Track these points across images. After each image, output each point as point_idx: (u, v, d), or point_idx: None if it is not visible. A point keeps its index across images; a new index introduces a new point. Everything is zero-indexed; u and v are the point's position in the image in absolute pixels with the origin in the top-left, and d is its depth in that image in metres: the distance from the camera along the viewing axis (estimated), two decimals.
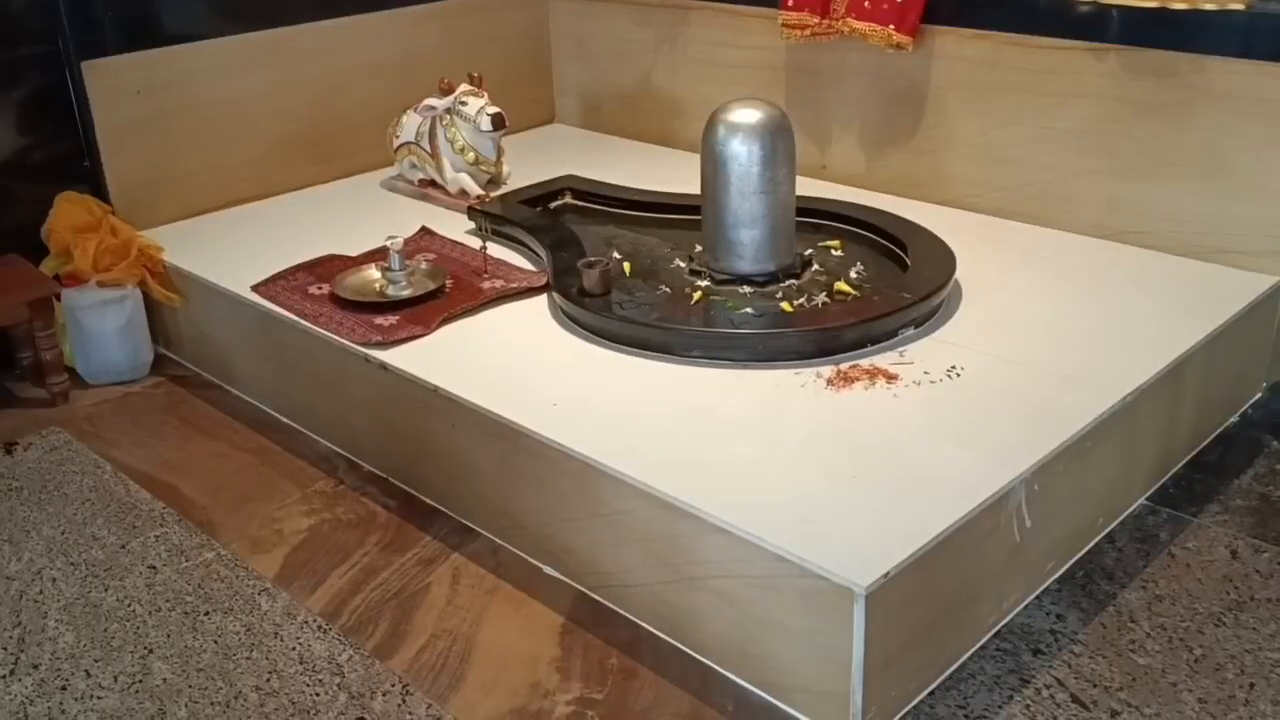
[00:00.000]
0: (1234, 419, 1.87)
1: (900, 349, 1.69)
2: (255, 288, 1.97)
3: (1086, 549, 1.58)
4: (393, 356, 1.72)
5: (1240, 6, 1.84)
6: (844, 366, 1.64)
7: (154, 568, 1.62)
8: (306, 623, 1.50)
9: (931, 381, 1.60)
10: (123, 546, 1.67)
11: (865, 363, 1.65)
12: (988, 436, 1.47)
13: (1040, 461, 1.42)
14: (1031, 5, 2.03)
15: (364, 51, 2.53)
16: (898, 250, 1.96)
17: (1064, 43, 2.01)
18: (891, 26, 2.14)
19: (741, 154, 1.78)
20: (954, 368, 1.63)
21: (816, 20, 2.24)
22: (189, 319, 2.13)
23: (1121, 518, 1.64)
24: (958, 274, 1.85)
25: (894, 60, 2.22)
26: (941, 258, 1.88)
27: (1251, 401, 1.91)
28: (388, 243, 1.90)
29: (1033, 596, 1.49)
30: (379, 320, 1.81)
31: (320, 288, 1.95)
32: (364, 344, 1.75)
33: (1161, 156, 1.96)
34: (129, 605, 1.55)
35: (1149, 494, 1.69)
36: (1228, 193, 1.91)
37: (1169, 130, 1.94)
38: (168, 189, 2.31)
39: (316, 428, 1.92)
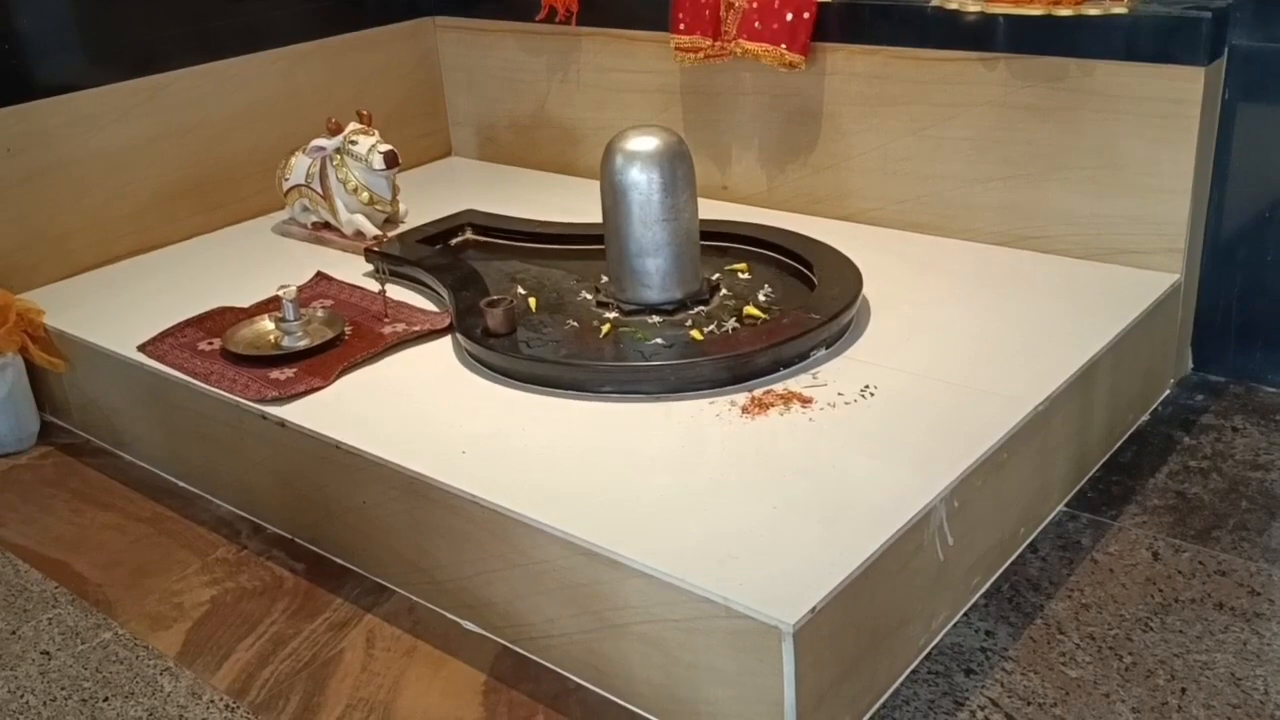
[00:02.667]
0: (1145, 418, 1.90)
1: (813, 371, 1.69)
2: (142, 347, 1.90)
3: (1010, 561, 1.59)
4: (291, 412, 1.67)
5: (1123, 10, 1.88)
6: (758, 393, 1.63)
7: (48, 653, 1.54)
8: (213, 702, 1.43)
9: (846, 402, 1.60)
10: (13, 632, 1.58)
11: (779, 387, 1.65)
12: (905, 455, 1.47)
13: (959, 477, 1.43)
14: (918, 18, 2.06)
15: (245, 94, 2.47)
16: (804, 269, 1.96)
17: (953, 54, 2.03)
18: (783, 46, 2.15)
19: (641, 182, 1.77)
20: (867, 387, 1.63)
21: (709, 43, 2.24)
22: (75, 384, 2.04)
23: (1043, 525, 1.65)
24: (864, 290, 1.85)
25: (788, 79, 2.22)
26: (847, 274, 1.88)
27: (1161, 399, 1.94)
28: (280, 291, 1.85)
29: (961, 614, 1.49)
30: (275, 374, 1.76)
31: (211, 343, 1.89)
32: (259, 400, 1.70)
33: (1055, 160, 1.99)
34: (22, 696, 1.47)
35: (1068, 500, 1.70)
36: (1122, 193, 1.94)
37: (1061, 134, 1.97)
38: (45, 249, 2.23)
39: (215, 491, 1.86)
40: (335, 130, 2.24)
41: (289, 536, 1.75)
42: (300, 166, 2.31)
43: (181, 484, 1.91)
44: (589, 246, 2.10)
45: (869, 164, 2.21)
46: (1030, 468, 1.59)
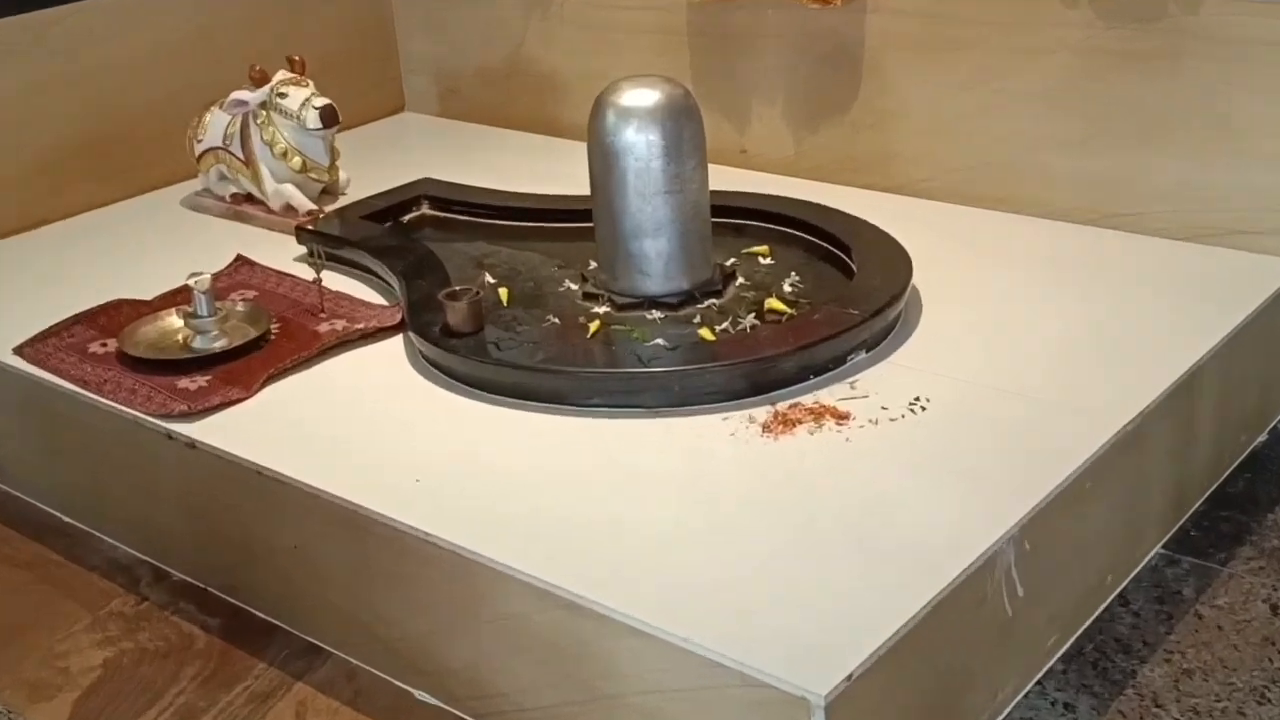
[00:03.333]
0: (1262, 437, 1.90)
1: (851, 379, 1.69)
2: (19, 350, 1.90)
3: (1095, 616, 1.59)
4: (204, 430, 1.67)
5: None
6: (782, 406, 1.64)
7: None
8: None
9: (891, 419, 1.60)
10: None
11: (808, 400, 1.65)
12: (964, 485, 1.47)
13: (1030, 512, 1.43)
14: None
15: (151, 35, 2.48)
16: (840, 253, 1.97)
17: None
18: None
19: (638, 145, 1.78)
20: (917, 399, 1.63)
21: None
22: None
23: (1135, 572, 1.65)
24: (915, 279, 1.86)
25: (820, 18, 2.23)
26: (894, 260, 1.89)
27: None
28: (191, 280, 1.86)
29: (1033, 683, 1.49)
30: (184, 383, 1.77)
31: (105, 344, 1.89)
32: (164, 416, 1.70)
33: (1151, 119, 2.00)
34: None
35: (1166, 540, 1.71)
36: (1234, 159, 1.95)
37: (1158, 86, 1.97)
38: None
39: (110, 528, 1.86)
40: (260, 80, 2.24)
41: (200, 585, 1.75)
42: (217, 125, 2.32)
43: (67, 519, 1.91)
44: (574, 225, 2.11)
45: (920, 123, 2.21)
46: (1119, 500, 1.59)
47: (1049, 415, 1.59)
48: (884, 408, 1.62)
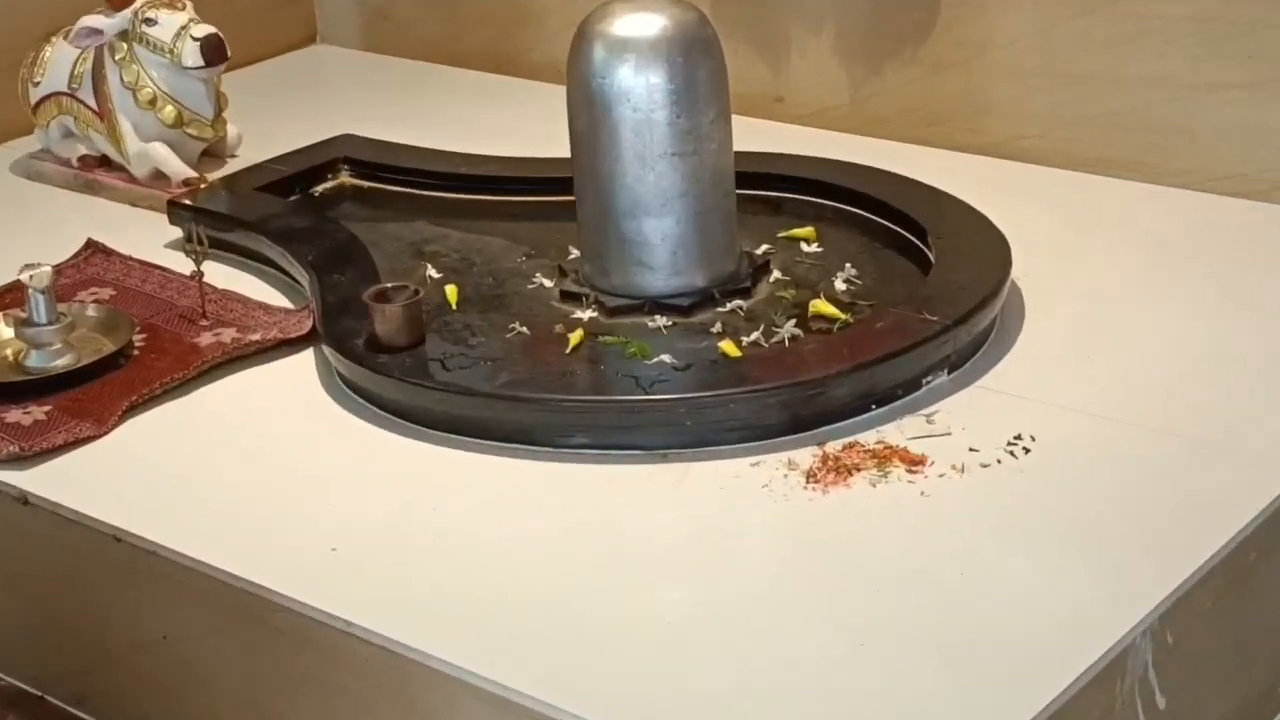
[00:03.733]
0: None
1: (928, 411, 1.69)
2: None
3: None
4: (42, 480, 1.68)
5: None
6: (834, 448, 1.64)
7: None
8: None
9: (982, 464, 1.60)
10: None
11: (870, 438, 1.65)
12: (1082, 555, 1.47)
13: (1173, 594, 1.42)
14: None
15: None
16: (912, 238, 1.97)
17: None
18: None
19: (637, 90, 1.78)
20: (1018, 439, 1.63)
21: None
22: None
23: None
24: (1014, 273, 1.86)
25: None
26: (984, 247, 1.90)
27: None
28: (25, 275, 1.85)
29: None
30: (15, 415, 1.77)
31: None
32: None
33: None
34: None
35: None
36: None
37: None
38: None
39: None
40: (119, 2, 2.24)
41: (36, 693, 1.74)
42: (60, 62, 2.32)
43: None
44: (548, 198, 2.12)
45: (1021, 60, 2.22)
46: None
47: (1198, 461, 1.58)
48: (973, 450, 1.62)
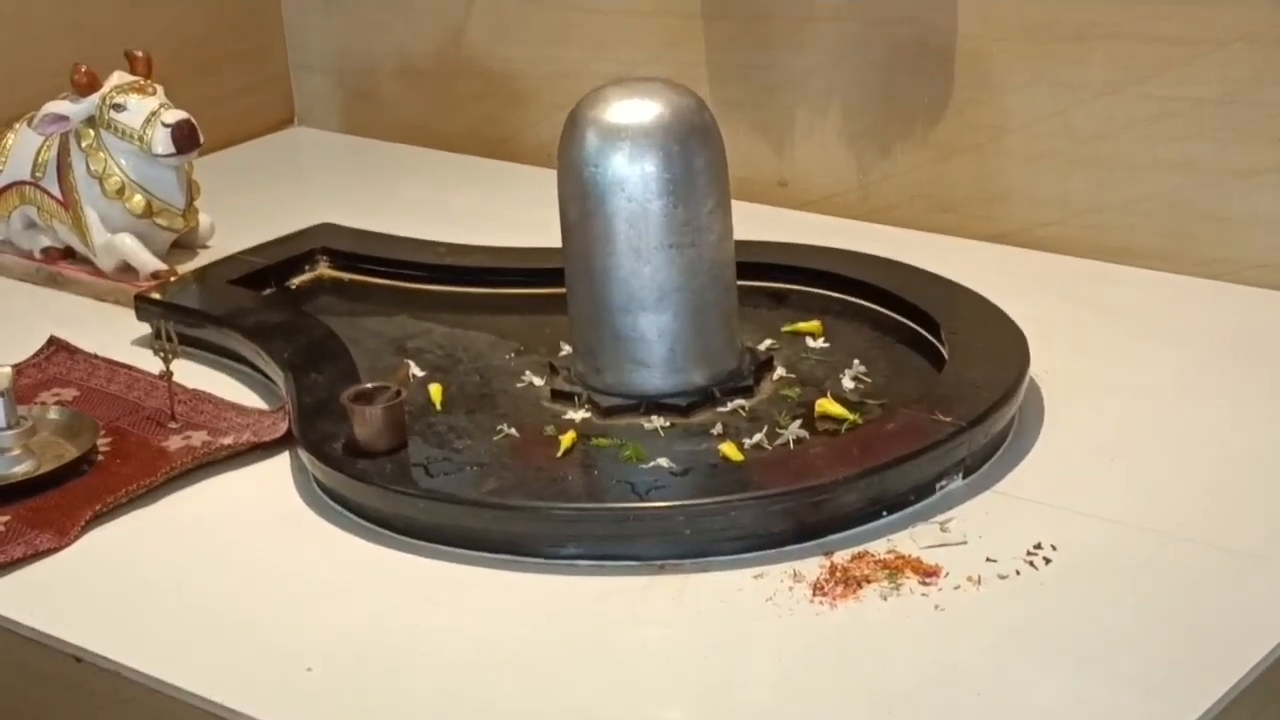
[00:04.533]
0: None
1: (941, 519, 1.68)
2: None
3: None
4: None
5: None
6: (842, 557, 1.63)
7: None
8: None
9: (1001, 576, 1.59)
10: None
11: (880, 547, 1.64)
12: (1110, 677, 1.45)
13: (1208, 713, 1.40)
14: None
15: None
16: (924, 332, 1.97)
17: None
18: None
19: (632, 179, 1.79)
20: (1038, 547, 1.62)
21: None
22: None
23: None
24: (1032, 370, 1.86)
25: None
26: (1002, 341, 1.90)
27: None
28: None
29: None
30: None
31: None
32: None
33: None
34: None
35: None
36: None
37: None
38: None
39: None
40: (87, 86, 2.26)
41: None
42: (22, 150, 2.34)
43: None
44: (537, 290, 2.13)
45: (1039, 144, 2.23)
46: None
47: (1231, 571, 1.57)
48: (990, 560, 1.60)
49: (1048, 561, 1.60)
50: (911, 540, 1.65)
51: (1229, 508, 1.68)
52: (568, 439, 1.80)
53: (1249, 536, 1.62)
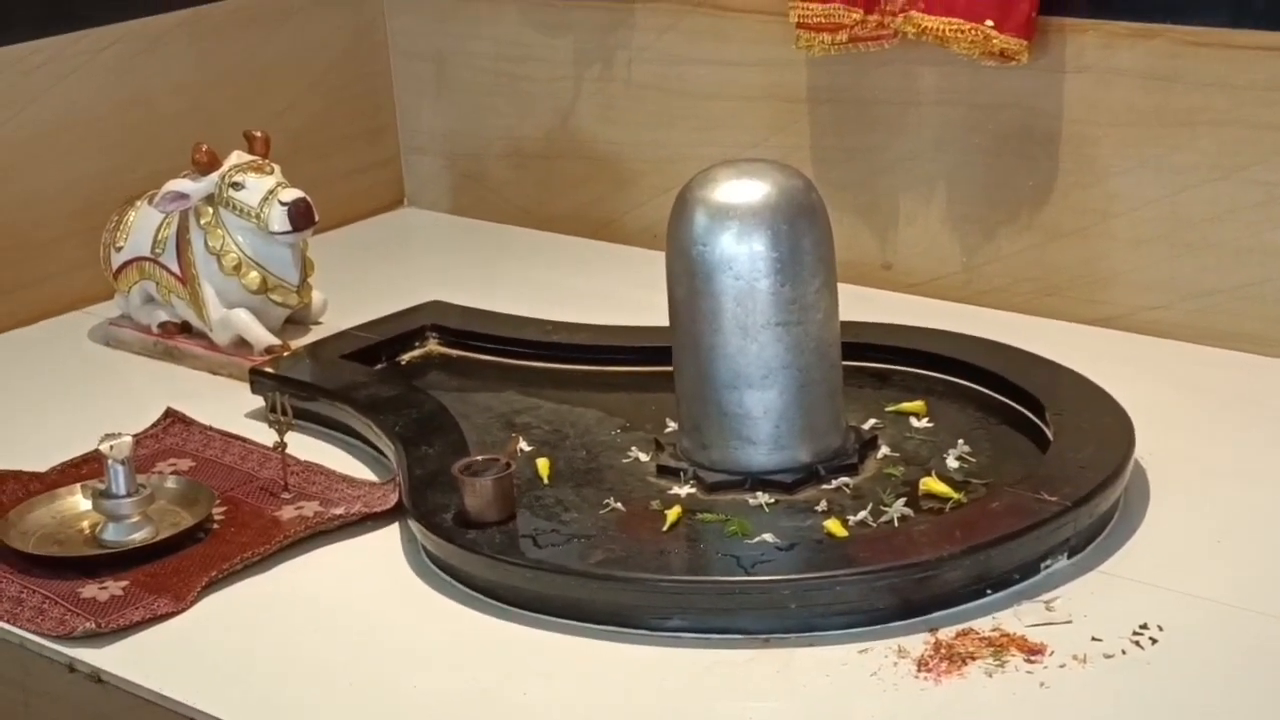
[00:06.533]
0: None
1: (1047, 598, 1.68)
2: None
3: None
4: (117, 658, 1.69)
5: None
6: (947, 634, 1.63)
7: None
8: None
9: (1106, 655, 1.59)
10: None
11: (985, 625, 1.65)
12: None
13: None
14: None
15: (53, 100, 2.56)
16: (1029, 414, 1.98)
17: None
18: (989, 23, 2.20)
19: (740, 258, 1.81)
20: (1144, 627, 1.62)
21: (859, 16, 2.30)
22: None
23: None
24: (1138, 452, 1.86)
25: (999, 79, 2.28)
26: (1107, 424, 1.90)
27: None
28: (105, 446, 1.88)
29: None
30: (90, 590, 1.79)
31: None
32: (62, 636, 1.72)
33: None
34: None
35: None
36: None
37: None
38: None
39: None
40: (207, 165, 2.29)
41: None
42: (144, 227, 2.37)
43: None
44: (643, 368, 2.13)
45: (1144, 228, 2.23)
46: None
47: None
48: (1095, 639, 1.61)
49: (1154, 641, 1.61)
50: (1016, 619, 1.65)
51: None
52: (673, 514, 1.82)
53: None
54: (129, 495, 1.87)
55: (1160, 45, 2.17)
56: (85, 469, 2.01)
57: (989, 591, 1.69)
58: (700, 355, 1.85)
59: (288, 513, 1.91)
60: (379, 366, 2.24)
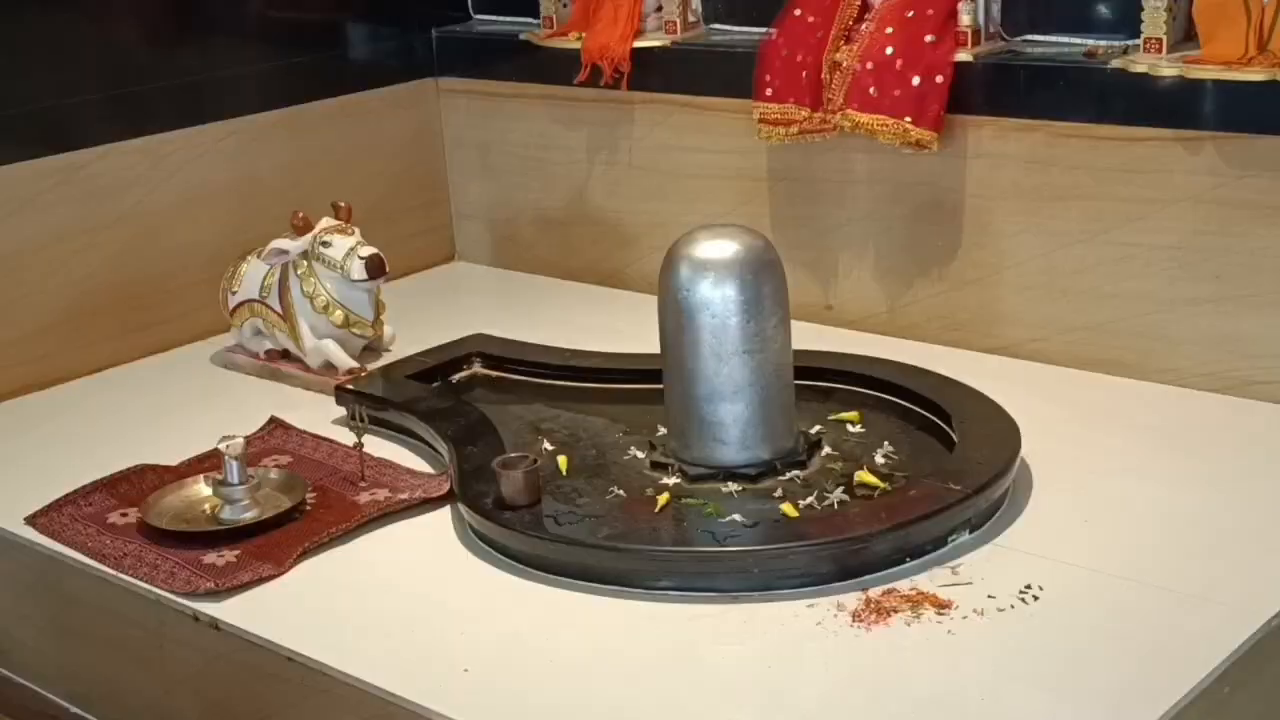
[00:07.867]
0: None
1: (953, 564, 1.69)
2: (31, 519, 1.93)
3: None
4: (231, 610, 1.69)
5: None
6: (875, 593, 1.64)
7: None
8: None
9: (999, 609, 1.59)
10: None
11: (905, 585, 1.65)
12: (1083, 687, 1.46)
13: None
14: (1094, 82, 2.11)
15: (186, 179, 2.56)
16: (939, 422, 1.98)
17: (1144, 131, 2.07)
18: (908, 119, 2.21)
19: (715, 301, 1.81)
20: (1028, 588, 1.63)
21: (807, 113, 2.31)
22: None
23: None
24: (1024, 451, 1.86)
25: (915, 163, 2.28)
26: (1000, 429, 1.90)
27: None
28: (222, 445, 1.89)
29: None
30: (210, 558, 1.79)
31: (125, 514, 1.92)
32: (189, 594, 1.72)
33: None
34: None
35: None
36: None
37: None
38: None
39: None
40: (303, 228, 2.30)
41: None
42: (253, 276, 2.37)
43: (75, 710, 1.92)
44: (641, 386, 2.13)
45: (1028, 278, 2.23)
46: (1267, 710, 1.56)
47: (1179, 608, 1.57)
48: (990, 596, 1.61)
49: (1036, 599, 1.61)
50: (929, 580, 1.66)
51: (1178, 560, 1.68)
52: (663, 499, 1.82)
53: (1193, 582, 1.63)
54: (241, 484, 1.87)
55: (1040, 137, 2.17)
56: (207, 463, 2.01)
57: (908, 559, 1.69)
58: (684, 376, 1.85)
59: (364, 498, 1.92)
60: (435, 385, 2.24)
